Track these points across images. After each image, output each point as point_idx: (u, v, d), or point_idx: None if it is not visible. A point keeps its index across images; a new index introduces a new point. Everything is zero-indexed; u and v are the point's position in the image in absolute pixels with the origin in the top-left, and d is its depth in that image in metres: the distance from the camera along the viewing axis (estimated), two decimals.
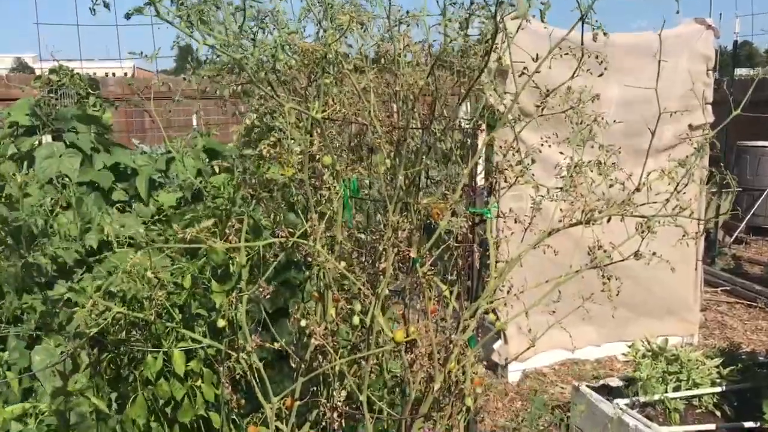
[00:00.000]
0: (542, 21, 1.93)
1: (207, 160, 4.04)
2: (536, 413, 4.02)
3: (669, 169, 1.93)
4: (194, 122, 10.67)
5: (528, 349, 2.38)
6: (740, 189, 8.61)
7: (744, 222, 8.50)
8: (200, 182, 3.92)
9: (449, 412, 2.23)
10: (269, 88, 1.93)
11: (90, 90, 6.70)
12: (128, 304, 2.27)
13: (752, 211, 8.49)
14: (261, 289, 1.97)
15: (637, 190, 2.00)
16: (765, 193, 8.54)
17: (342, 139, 2.16)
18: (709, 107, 5.37)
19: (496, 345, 5.13)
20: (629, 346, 4.99)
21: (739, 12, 8.83)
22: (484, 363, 5.03)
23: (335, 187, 2.02)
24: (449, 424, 2.26)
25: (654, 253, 1.99)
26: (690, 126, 5.20)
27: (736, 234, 8.47)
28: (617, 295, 2.04)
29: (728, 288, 7.00)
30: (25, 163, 3.84)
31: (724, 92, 6.95)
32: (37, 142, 4.06)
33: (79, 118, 4.29)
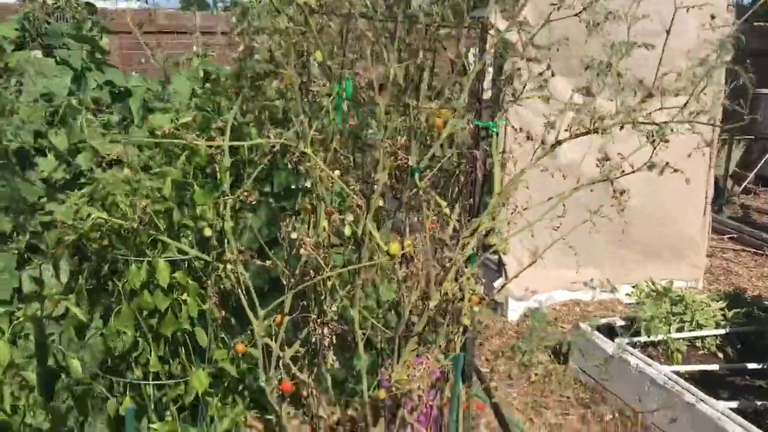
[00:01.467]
0: None
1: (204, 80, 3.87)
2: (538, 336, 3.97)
3: (689, 68, 1.78)
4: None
5: (530, 265, 2.26)
6: (752, 137, 8.41)
7: (754, 172, 8.32)
8: (195, 103, 3.77)
9: (445, 332, 2.13)
10: None
11: (87, 15, 6.49)
12: (110, 212, 2.15)
13: (763, 161, 8.30)
14: (246, 194, 1.85)
15: (650, 95, 1.85)
16: None
17: (336, 36, 1.99)
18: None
19: (497, 282, 5.04)
20: (633, 287, 4.90)
21: None
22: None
23: (327, 86, 1.87)
24: (445, 346, 2.16)
25: (667, 163, 1.85)
26: (712, 16, 4.95)
27: (745, 183, 8.31)
28: (623, 210, 1.91)
29: (735, 236, 6.88)
30: (13, 79, 3.69)
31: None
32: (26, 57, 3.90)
33: (72, 35, 4.12)
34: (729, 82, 1.93)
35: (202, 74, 3.78)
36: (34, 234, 3.13)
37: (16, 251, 3.02)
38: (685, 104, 1.78)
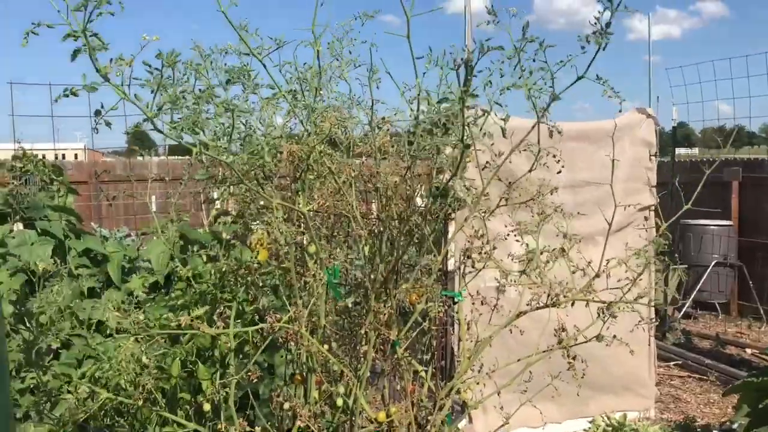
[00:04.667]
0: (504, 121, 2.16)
1: (180, 245, 4.13)
2: None
3: (626, 258, 2.14)
4: (153, 206, 10.72)
5: (501, 426, 2.51)
6: (685, 266, 9.00)
7: (691, 297, 8.84)
8: (173, 267, 4.00)
9: None
10: (256, 184, 2.09)
11: (54, 176, 6.76)
12: (113, 390, 2.33)
13: (698, 287, 8.85)
14: (249, 374, 2.07)
15: (597, 276, 2.20)
16: (708, 269, 8.94)
17: (324, 229, 2.32)
18: (654, 190, 5.72)
19: (461, 424, 5.19)
20: (590, 422, 5.13)
21: (676, 101, 9.48)
22: None
23: (319, 273, 2.16)
24: None
25: (615, 336, 2.17)
26: (637, 207, 5.52)
27: (684, 309, 8.79)
28: (582, 377, 2.20)
29: (680, 362, 7.24)
30: None
31: (666, 174, 7.42)
32: (9, 230, 4.11)
33: (52, 207, 4.37)
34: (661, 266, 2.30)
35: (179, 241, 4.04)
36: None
37: None
38: (627, 287, 2.14)
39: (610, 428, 4.57)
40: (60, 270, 4.01)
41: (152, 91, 1.78)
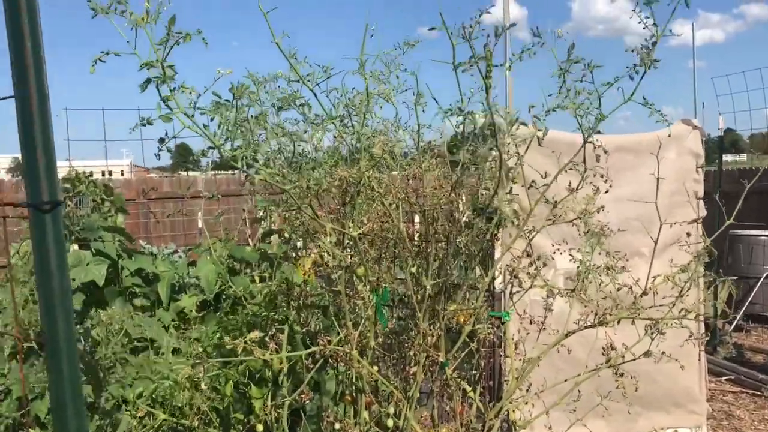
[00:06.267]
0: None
1: (229, 264, 4.22)
2: None
3: (672, 274, 2.13)
4: (199, 223, 10.92)
5: None
6: (735, 278, 8.79)
7: (742, 310, 8.63)
8: (222, 287, 4.09)
9: None
10: (311, 211, 2.14)
11: (104, 196, 6.95)
12: (169, 410, 2.39)
13: (749, 299, 8.64)
14: (302, 395, 2.12)
15: (644, 294, 2.19)
16: (760, 281, 8.72)
17: (372, 251, 2.35)
18: (701, 202, 5.62)
19: None
20: None
21: (722, 109, 9.32)
22: None
23: (368, 295, 2.20)
24: None
25: (663, 353, 2.15)
26: (684, 221, 5.43)
27: (735, 322, 8.58)
28: (636, 390, 2.19)
29: (732, 377, 7.07)
30: None
31: (711, 183, 7.28)
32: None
33: (105, 227, 4.51)
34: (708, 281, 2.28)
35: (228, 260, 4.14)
36: None
37: None
38: (673, 304, 2.12)
39: None
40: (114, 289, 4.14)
41: (211, 119, 1.85)
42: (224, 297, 4.20)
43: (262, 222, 4.69)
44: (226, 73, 1.74)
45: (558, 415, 2.67)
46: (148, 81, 1.71)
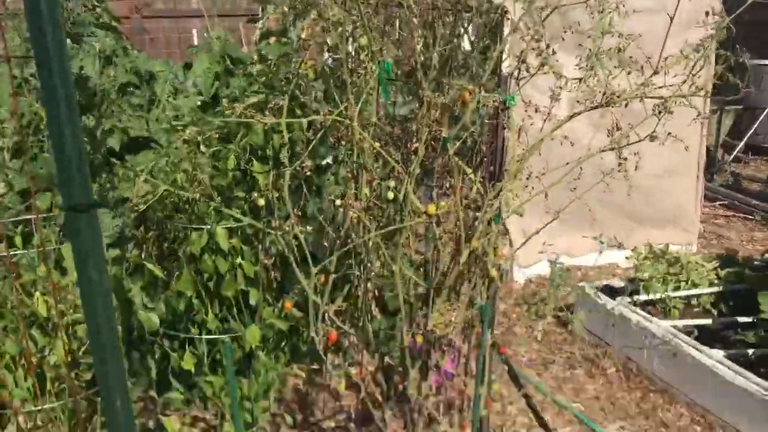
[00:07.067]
0: None
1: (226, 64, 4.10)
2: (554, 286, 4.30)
3: (686, 52, 2.04)
4: (194, 40, 10.62)
5: (542, 228, 2.53)
6: (741, 106, 8.68)
7: (743, 141, 8.59)
8: (218, 86, 4.00)
9: (474, 283, 2.40)
10: None
11: (96, 2, 6.68)
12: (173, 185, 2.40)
13: (752, 130, 8.58)
14: (302, 166, 2.11)
15: (655, 73, 2.11)
16: (765, 111, 8.60)
17: (377, 21, 2.24)
18: None
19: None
20: (632, 251, 5.20)
21: None
22: None
23: (371, 66, 2.12)
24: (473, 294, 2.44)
25: (669, 133, 2.11)
26: (707, 13, 5.20)
27: (735, 152, 8.59)
28: (636, 169, 2.17)
29: (726, 202, 7.18)
30: None
31: None
32: None
33: (97, 24, 4.34)
34: (721, 60, 2.19)
35: (224, 58, 4.00)
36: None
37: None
38: (683, 82, 2.05)
39: (652, 255, 4.62)
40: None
41: None
42: (222, 97, 4.13)
43: (259, 23, 4.51)
44: None
45: (556, 225, 2.66)
46: None
